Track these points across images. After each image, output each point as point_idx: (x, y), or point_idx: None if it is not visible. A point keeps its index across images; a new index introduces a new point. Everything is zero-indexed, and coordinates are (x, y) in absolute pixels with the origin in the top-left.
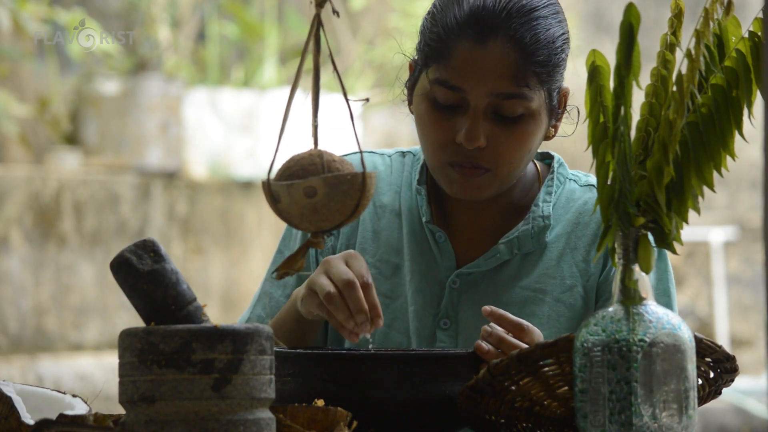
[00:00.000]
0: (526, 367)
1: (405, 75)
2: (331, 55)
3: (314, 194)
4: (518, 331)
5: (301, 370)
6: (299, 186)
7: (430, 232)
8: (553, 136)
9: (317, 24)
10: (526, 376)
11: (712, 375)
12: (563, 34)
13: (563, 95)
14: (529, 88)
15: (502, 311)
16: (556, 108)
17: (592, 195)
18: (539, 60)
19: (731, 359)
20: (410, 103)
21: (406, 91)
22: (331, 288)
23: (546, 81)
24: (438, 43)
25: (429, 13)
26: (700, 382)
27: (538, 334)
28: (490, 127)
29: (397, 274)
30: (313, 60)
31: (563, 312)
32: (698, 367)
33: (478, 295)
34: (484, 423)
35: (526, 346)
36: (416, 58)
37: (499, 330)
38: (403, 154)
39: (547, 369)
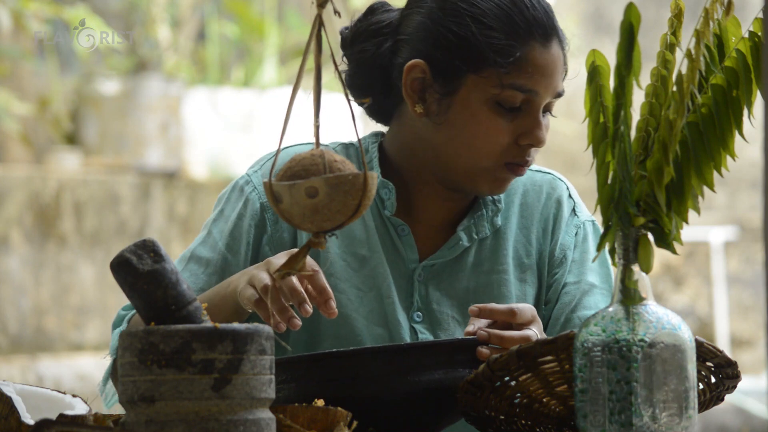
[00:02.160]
0: (525, 363)
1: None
2: (332, 55)
3: (316, 194)
4: (511, 316)
5: (293, 376)
6: (301, 186)
7: (392, 225)
8: None
9: (319, 24)
10: (525, 372)
11: (713, 380)
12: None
13: None
14: (562, 86)
15: (489, 306)
16: None
17: (539, 176)
18: (565, 54)
19: (733, 365)
20: (416, 102)
21: (408, 95)
22: (268, 281)
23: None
24: (508, 47)
25: (463, 10)
26: (701, 386)
27: (530, 308)
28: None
29: (365, 266)
30: (314, 60)
31: (529, 291)
32: (699, 372)
33: (444, 284)
34: (483, 418)
35: (527, 330)
36: (434, 59)
37: (494, 331)
38: (345, 146)
39: (546, 366)
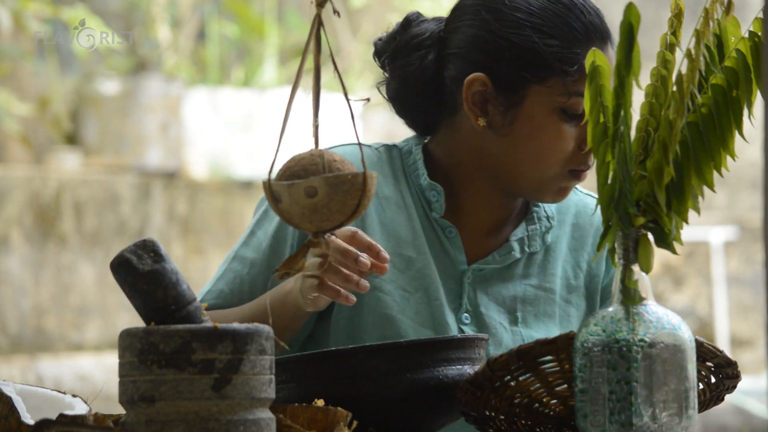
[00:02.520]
0: (525, 363)
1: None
2: (332, 55)
3: (315, 194)
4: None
5: (293, 376)
6: (300, 186)
7: (440, 227)
8: None
9: (318, 24)
10: (525, 372)
11: (713, 380)
12: None
13: None
14: None
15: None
16: None
17: (590, 200)
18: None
19: (732, 365)
20: (478, 115)
21: (470, 108)
22: (320, 260)
23: None
24: (572, 54)
25: (521, 20)
26: (701, 386)
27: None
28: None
29: (410, 267)
30: (313, 60)
31: (573, 313)
32: (699, 372)
33: (492, 290)
34: (484, 418)
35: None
36: (495, 71)
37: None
38: (389, 147)
39: (546, 366)
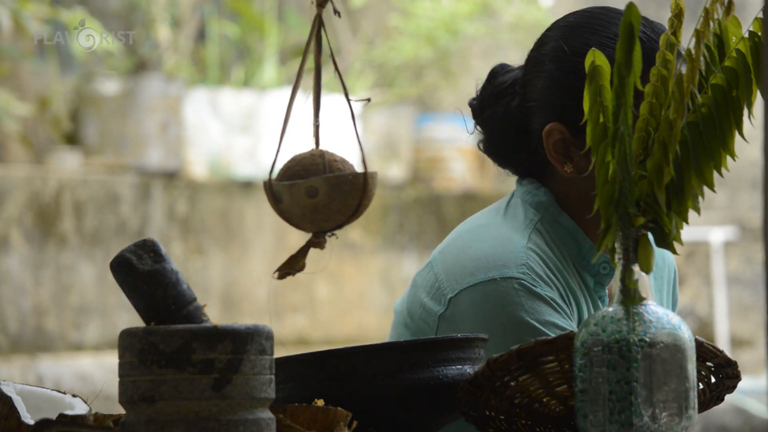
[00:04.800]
0: (525, 363)
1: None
2: (332, 55)
3: (316, 194)
4: None
5: (292, 376)
6: (301, 186)
7: (597, 294)
8: None
9: (318, 24)
10: (525, 372)
11: (713, 380)
12: None
13: None
14: None
15: None
16: None
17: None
18: None
19: (732, 365)
20: (565, 164)
21: (553, 158)
22: None
23: None
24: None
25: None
26: (701, 386)
27: None
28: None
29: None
30: (314, 60)
31: None
32: (699, 371)
33: None
34: (483, 418)
35: None
36: (571, 119)
37: None
38: (539, 222)
39: (546, 366)
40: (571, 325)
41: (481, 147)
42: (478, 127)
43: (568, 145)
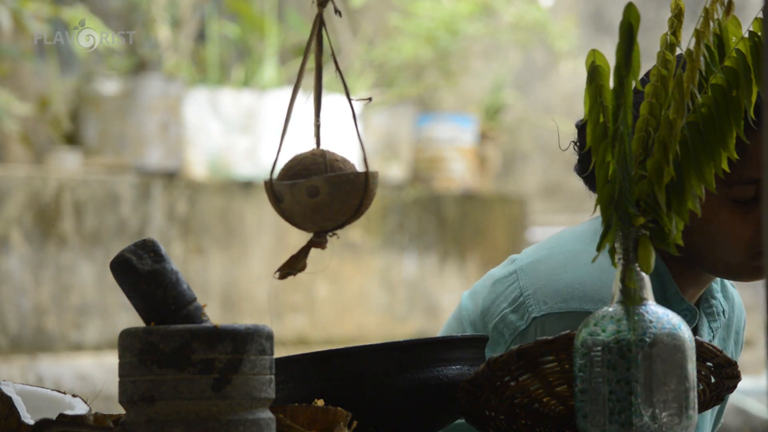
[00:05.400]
0: (525, 363)
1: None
2: (333, 54)
3: (317, 194)
4: None
5: (292, 375)
6: (302, 186)
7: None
8: None
9: (319, 24)
10: (525, 372)
11: (713, 380)
12: None
13: None
14: None
15: None
16: None
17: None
18: None
19: (732, 365)
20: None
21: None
22: None
23: None
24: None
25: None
26: (701, 386)
27: None
28: None
29: None
30: (315, 60)
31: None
32: (699, 371)
33: None
34: (483, 418)
35: None
36: None
37: None
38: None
39: (546, 366)
40: None
41: (579, 171)
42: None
43: None
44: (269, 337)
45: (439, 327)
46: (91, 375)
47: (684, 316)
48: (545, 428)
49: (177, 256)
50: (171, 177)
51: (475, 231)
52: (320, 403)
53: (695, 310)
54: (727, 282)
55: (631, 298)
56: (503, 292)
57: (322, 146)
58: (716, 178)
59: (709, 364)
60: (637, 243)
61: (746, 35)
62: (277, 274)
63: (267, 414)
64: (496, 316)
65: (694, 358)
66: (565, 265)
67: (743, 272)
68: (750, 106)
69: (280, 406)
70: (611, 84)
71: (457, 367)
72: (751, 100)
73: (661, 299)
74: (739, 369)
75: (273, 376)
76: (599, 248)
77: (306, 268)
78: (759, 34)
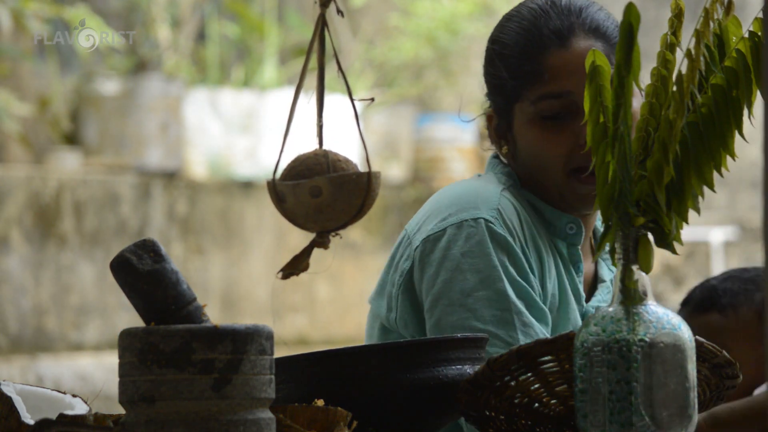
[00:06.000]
0: (525, 363)
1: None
2: (335, 54)
3: (319, 194)
4: None
5: (292, 375)
6: (304, 186)
7: (572, 263)
8: None
9: (322, 24)
10: (525, 372)
11: (713, 380)
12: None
13: None
14: None
15: None
16: None
17: None
18: (613, 44)
19: (732, 365)
20: (502, 146)
21: (494, 142)
22: None
23: None
24: (527, 66)
25: (494, 52)
26: (701, 387)
27: None
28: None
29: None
30: (317, 60)
31: None
32: (699, 371)
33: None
34: (483, 418)
35: None
36: (494, 104)
37: None
38: (509, 193)
39: (546, 366)
40: (519, 283)
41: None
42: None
43: (499, 129)
44: (269, 337)
45: None
46: (91, 375)
47: (570, 230)
48: (545, 428)
49: (177, 256)
50: (171, 177)
51: None
52: (320, 403)
53: (579, 221)
54: None
55: (631, 298)
56: (396, 254)
57: (325, 146)
58: (529, 98)
59: (709, 364)
60: (637, 243)
61: (746, 35)
62: (280, 275)
63: (267, 414)
64: (396, 274)
65: (694, 358)
66: (440, 195)
67: (571, 195)
68: (750, 106)
69: (280, 406)
70: (611, 84)
71: (457, 367)
72: (752, 100)
73: (542, 224)
74: (739, 369)
75: (273, 376)
76: (599, 248)
77: (309, 268)
78: (759, 34)
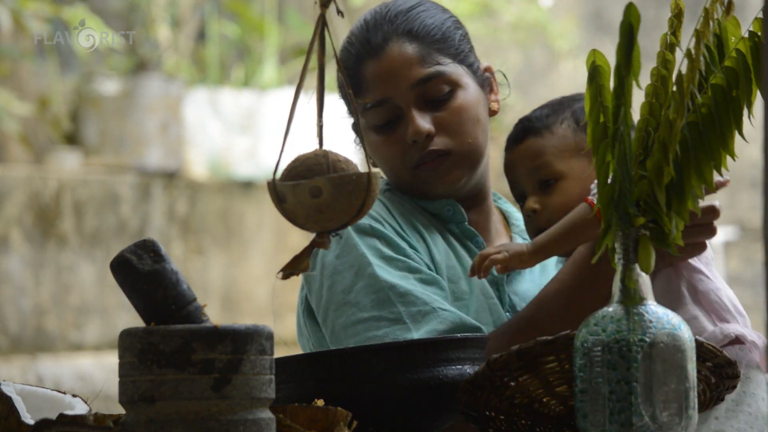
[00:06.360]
0: (525, 363)
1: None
2: (335, 55)
3: (319, 194)
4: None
5: (292, 375)
6: (304, 186)
7: (468, 238)
8: (498, 110)
9: (322, 24)
10: (525, 372)
11: (713, 380)
12: (450, 17)
13: (488, 70)
14: (441, 65)
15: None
16: (488, 81)
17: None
18: (436, 39)
19: (732, 365)
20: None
21: (359, 141)
22: None
23: (454, 55)
24: (351, 80)
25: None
26: (701, 386)
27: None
28: (430, 114)
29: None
30: (318, 60)
31: None
32: (699, 371)
33: (521, 286)
34: (483, 418)
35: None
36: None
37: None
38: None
39: (546, 366)
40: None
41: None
42: None
43: (356, 127)
44: (269, 337)
45: None
46: (91, 375)
47: (448, 212)
48: (545, 428)
49: (177, 256)
50: (171, 177)
51: None
52: (320, 403)
53: (452, 201)
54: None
55: (631, 298)
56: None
57: (325, 147)
58: (360, 108)
59: (709, 364)
60: (637, 243)
61: (746, 35)
62: (280, 275)
63: (267, 414)
64: (299, 303)
65: (694, 358)
66: None
67: (425, 187)
68: (750, 106)
69: (280, 406)
70: (611, 84)
71: (457, 367)
72: (751, 100)
73: (425, 214)
74: (739, 369)
75: (273, 376)
76: (598, 248)
77: (309, 268)
78: (759, 34)
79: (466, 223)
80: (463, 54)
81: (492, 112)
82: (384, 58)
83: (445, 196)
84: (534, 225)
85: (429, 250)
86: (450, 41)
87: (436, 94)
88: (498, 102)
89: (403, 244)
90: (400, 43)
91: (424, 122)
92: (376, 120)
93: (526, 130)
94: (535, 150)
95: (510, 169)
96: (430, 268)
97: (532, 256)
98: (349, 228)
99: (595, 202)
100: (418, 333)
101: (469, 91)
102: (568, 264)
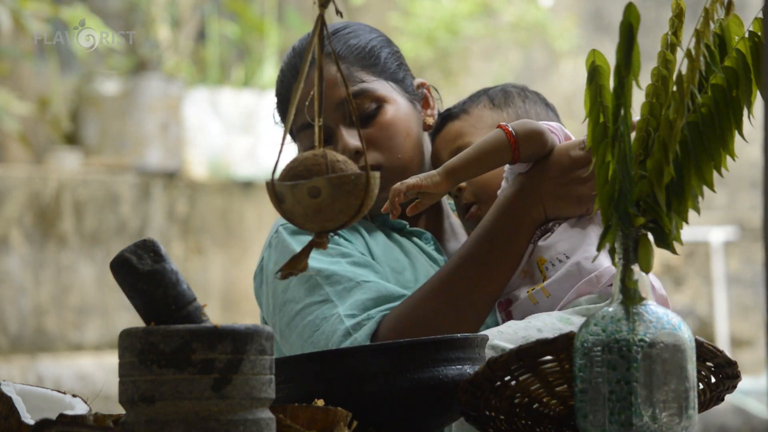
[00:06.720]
0: (525, 363)
1: None
2: (335, 55)
3: (318, 194)
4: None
5: (292, 375)
6: (303, 186)
7: (416, 236)
8: (432, 124)
9: (321, 24)
10: (525, 372)
11: (713, 380)
12: (377, 36)
13: (422, 86)
14: (365, 82)
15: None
16: (421, 96)
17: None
18: (360, 58)
19: (732, 365)
20: None
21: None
22: None
23: (381, 72)
24: (280, 106)
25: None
26: (701, 386)
27: None
28: (361, 131)
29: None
30: (317, 60)
31: None
32: (699, 371)
33: None
34: (483, 418)
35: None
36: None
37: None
38: None
39: (546, 366)
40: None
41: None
42: None
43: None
44: (269, 337)
45: None
46: (91, 375)
47: (388, 220)
48: (545, 428)
49: (177, 256)
50: (171, 177)
51: None
52: (320, 403)
53: (387, 215)
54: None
55: (631, 298)
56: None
57: (324, 147)
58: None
59: (709, 364)
60: (637, 243)
61: (746, 35)
62: (279, 275)
63: (267, 414)
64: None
65: (694, 358)
66: None
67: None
68: (750, 106)
69: (280, 406)
70: (611, 84)
71: (457, 367)
72: (751, 100)
73: (369, 222)
74: (739, 369)
75: (273, 376)
76: (599, 248)
77: (307, 268)
78: (759, 34)
79: (407, 227)
80: (389, 71)
81: (427, 127)
82: (309, 82)
83: (377, 206)
84: (461, 202)
85: (366, 243)
86: (375, 59)
87: (363, 111)
88: (433, 116)
89: (336, 237)
90: (321, 66)
91: (352, 139)
92: (308, 143)
93: (444, 118)
94: (455, 132)
95: (436, 157)
96: (361, 253)
97: (444, 178)
98: (282, 232)
99: (510, 128)
100: (343, 307)
101: (399, 106)
102: (481, 222)
